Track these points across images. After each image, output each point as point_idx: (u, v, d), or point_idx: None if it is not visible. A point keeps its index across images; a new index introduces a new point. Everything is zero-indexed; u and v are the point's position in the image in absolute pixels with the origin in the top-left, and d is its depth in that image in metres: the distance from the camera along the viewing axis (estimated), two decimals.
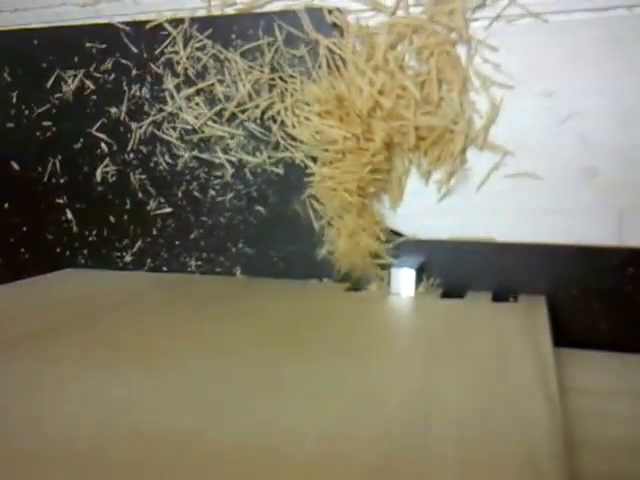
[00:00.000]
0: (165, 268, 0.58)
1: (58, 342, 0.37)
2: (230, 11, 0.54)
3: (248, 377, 0.32)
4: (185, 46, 0.54)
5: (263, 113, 0.52)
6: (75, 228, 0.60)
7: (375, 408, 0.28)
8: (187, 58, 0.54)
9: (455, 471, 0.22)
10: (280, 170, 0.53)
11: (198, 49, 0.54)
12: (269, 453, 0.24)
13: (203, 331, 0.40)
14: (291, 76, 0.51)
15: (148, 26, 0.55)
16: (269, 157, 0.52)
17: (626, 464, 0.28)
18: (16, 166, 0.61)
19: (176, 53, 0.54)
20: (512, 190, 0.48)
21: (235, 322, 0.42)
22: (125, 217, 0.58)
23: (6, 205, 0.62)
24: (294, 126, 0.50)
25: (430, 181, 0.50)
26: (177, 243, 0.57)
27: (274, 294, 0.50)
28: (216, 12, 0.54)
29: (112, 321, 0.42)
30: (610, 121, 0.45)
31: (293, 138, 0.51)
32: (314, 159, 0.51)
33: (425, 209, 0.50)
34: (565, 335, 0.44)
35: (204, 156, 0.55)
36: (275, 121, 0.52)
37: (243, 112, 0.53)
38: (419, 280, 0.47)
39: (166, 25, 0.54)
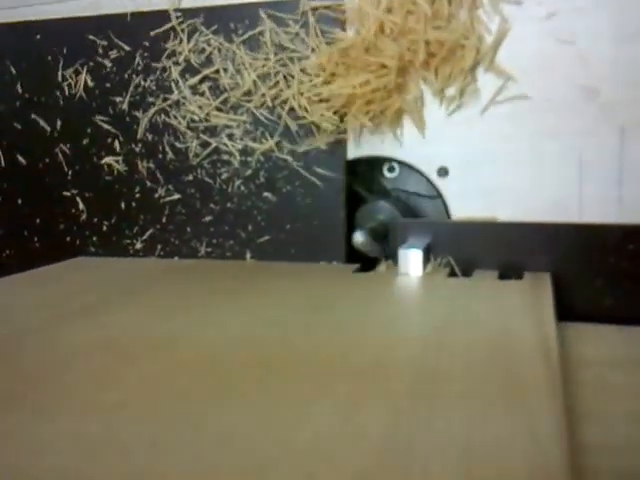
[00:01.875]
0: (175, 254, 0.59)
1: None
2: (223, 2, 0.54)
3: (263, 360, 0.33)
4: (189, 38, 0.55)
5: (274, 99, 0.53)
6: (85, 217, 0.61)
7: (381, 384, 0.28)
8: (189, 51, 0.55)
9: (458, 450, 0.23)
10: (288, 156, 0.54)
11: (202, 40, 0.54)
12: None
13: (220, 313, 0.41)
14: (293, 51, 0.51)
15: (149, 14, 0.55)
16: (277, 144, 0.53)
17: (627, 434, 0.29)
18: (23, 159, 0.62)
19: (179, 44, 0.55)
20: (515, 113, 0.49)
21: (249, 303, 0.43)
22: (134, 205, 0.59)
23: (17, 197, 0.63)
24: (306, 109, 0.51)
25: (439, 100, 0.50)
26: (187, 229, 0.58)
27: (285, 276, 0.51)
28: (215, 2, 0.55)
29: (128, 305, 0.43)
30: (609, 39, 0.46)
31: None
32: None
33: (432, 134, 0.51)
34: (570, 310, 0.45)
35: (211, 143, 0.56)
36: (283, 108, 0.53)
37: (249, 101, 0.54)
38: (427, 260, 0.49)
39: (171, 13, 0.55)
